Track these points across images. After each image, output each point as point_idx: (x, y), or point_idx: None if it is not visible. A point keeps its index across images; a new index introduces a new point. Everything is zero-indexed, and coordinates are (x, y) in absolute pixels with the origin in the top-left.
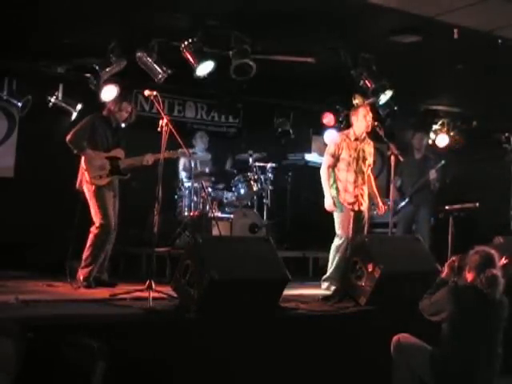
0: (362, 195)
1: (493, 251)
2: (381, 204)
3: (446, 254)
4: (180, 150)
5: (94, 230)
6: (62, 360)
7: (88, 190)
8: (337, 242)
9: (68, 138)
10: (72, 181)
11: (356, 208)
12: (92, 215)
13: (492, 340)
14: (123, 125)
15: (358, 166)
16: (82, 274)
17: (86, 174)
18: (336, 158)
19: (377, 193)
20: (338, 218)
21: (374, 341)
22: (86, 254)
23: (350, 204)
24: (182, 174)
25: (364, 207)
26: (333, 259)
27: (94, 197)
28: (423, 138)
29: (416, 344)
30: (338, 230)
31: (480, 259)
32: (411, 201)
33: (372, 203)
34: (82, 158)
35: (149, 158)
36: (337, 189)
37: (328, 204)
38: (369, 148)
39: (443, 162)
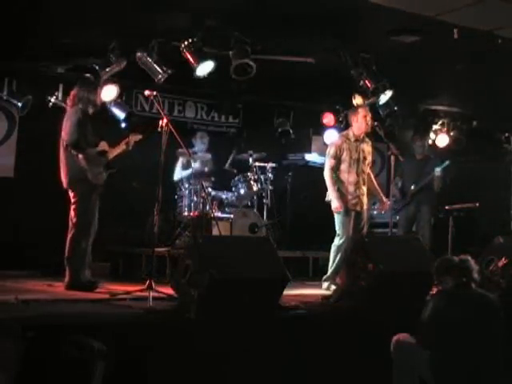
0: (363, 195)
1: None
2: (385, 199)
3: (446, 254)
4: (180, 149)
5: (72, 230)
6: (61, 360)
7: (82, 190)
8: (337, 241)
9: (69, 140)
10: None
11: (358, 208)
12: (73, 215)
13: (490, 339)
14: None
15: (359, 167)
16: (67, 276)
17: (87, 174)
18: (337, 160)
19: (379, 189)
20: (338, 217)
21: (373, 341)
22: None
23: (351, 205)
24: (181, 174)
25: (364, 208)
26: (333, 259)
27: (85, 199)
28: (424, 143)
29: (415, 344)
30: (339, 229)
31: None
32: (412, 200)
33: (373, 202)
34: (80, 158)
35: (131, 139)
36: (339, 190)
37: (335, 206)
38: (368, 147)
39: (448, 162)
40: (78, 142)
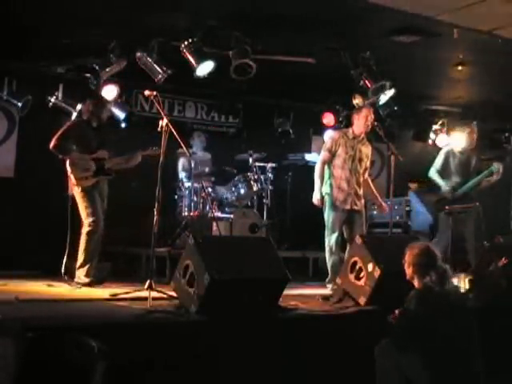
0: (355, 194)
1: (428, 244)
2: (384, 204)
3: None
4: (180, 149)
5: (84, 230)
6: (61, 360)
7: (76, 192)
8: (327, 241)
9: (51, 144)
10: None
11: (348, 207)
12: (81, 217)
13: (467, 338)
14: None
15: (354, 164)
16: (80, 273)
17: (71, 176)
18: (332, 154)
19: (377, 194)
20: (328, 216)
21: (373, 341)
22: (81, 254)
23: (341, 203)
24: (182, 174)
25: (358, 207)
26: (328, 261)
27: (81, 197)
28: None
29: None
30: (326, 226)
31: (422, 257)
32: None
33: (373, 203)
34: (67, 162)
35: (139, 156)
36: (331, 185)
37: (316, 198)
38: (366, 150)
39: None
40: (55, 147)
